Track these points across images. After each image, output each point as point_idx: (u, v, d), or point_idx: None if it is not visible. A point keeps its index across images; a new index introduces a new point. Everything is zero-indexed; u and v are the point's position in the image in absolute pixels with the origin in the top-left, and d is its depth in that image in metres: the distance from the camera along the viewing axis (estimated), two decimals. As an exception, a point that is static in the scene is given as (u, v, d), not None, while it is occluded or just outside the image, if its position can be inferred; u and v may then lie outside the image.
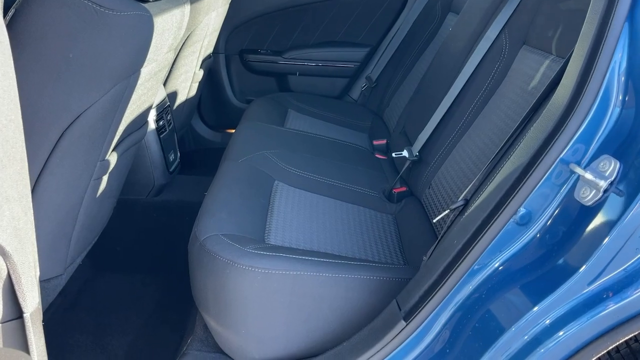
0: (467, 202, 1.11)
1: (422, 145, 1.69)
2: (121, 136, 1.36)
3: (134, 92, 1.25)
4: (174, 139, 1.97)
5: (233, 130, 2.21)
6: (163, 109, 1.84)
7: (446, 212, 1.14)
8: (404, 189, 1.72)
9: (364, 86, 2.70)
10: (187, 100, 2.15)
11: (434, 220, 1.15)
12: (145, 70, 1.24)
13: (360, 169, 1.84)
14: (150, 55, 1.21)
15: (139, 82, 1.25)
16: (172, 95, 1.99)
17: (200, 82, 2.24)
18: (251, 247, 1.22)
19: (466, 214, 1.07)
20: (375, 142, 2.14)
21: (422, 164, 1.69)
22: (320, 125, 2.33)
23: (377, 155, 2.04)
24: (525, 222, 0.94)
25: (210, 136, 2.82)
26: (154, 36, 1.18)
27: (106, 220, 1.59)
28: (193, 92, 2.19)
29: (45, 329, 1.66)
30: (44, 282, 1.27)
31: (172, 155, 1.93)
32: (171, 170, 1.89)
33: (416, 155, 1.69)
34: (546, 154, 0.91)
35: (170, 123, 1.91)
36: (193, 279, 1.28)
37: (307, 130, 2.20)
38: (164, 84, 1.95)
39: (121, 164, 1.46)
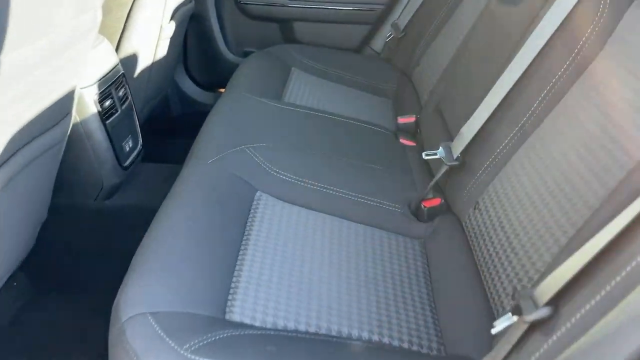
0: (555, 307, 0.62)
1: (467, 144, 1.18)
2: (8, 149, 0.89)
3: (8, 89, 0.77)
4: (133, 119, 1.49)
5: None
6: (112, 83, 1.36)
7: (513, 319, 0.65)
8: (437, 201, 1.23)
9: (389, 36, 2.14)
10: (155, 64, 1.65)
11: (494, 331, 0.68)
12: (15, 56, 0.76)
13: (379, 169, 1.34)
14: (16, 34, 0.72)
15: (11, 71, 0.76)
16: (130, 61, 1.49)
17: (173, 38, 1.73)
18: (195, 341, 0.77)
19: (559, 329, 0.59)
20: (400, 120, 1.62)
21: (465, 170, 1.19)
22: (331, 91, 1.83)
23: (402, 141, 1.53)
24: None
25: (200, 97, 2.33)
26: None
27: (22, 248, 1.16)
28: (163, 51, 1.68)
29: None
30: None
31: (130, 142, 1.46)
32: (127, 164, 1.43)
33: (457, 157, 1.19)
34: None
35: (126, 98, 1.43)
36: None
37: (312, 101, 1.70)
38: (117, 48, 1.46)
39: (24, 182, 1.00)
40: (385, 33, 2.18)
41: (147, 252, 0.93)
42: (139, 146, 1.51)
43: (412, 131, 1.60)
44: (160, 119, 2.15)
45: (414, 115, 1.62)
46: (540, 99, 1.06)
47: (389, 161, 1.38)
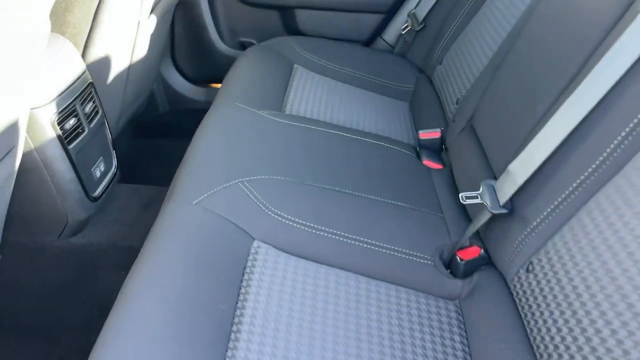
0: None
1: (518, 188, 0.94)
2: None
3: None
4: (106, 136, 1.24)
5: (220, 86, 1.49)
6: (77, 97, 1.11)
7: None
8: (476, 251, 1.00)
9: (405, 28, 1.88)
10: (132, 67, 1.39)
11: None
12: None
13: (403, 208, 1.10)
14: None
15: None
16: (100, 66, 1.24)
17: (154, 34, 1.47)
18: None
19: None
20: (422, 135, 1.37)
21: (514, 220, 0.95)
22: (339, 95, 1.58)
23: (425, 163, 1.29)
24: None
25: (190, 93, 2.07)
26: None
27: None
28: (142, 50, 1.42)
29: None
30: None
31: (101, 166, 1.21)
32: (97, 194, 1.19)
33: (503, 205, 0.95)
34: None
35: (96, 113, 1.19)
36: None
37: (318, 109, 1.46)
38: (83, 52, 1.20)
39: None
40: (400, 23, 1.91)
41: (110, 335, 0.70)
42: (113, 168, 1.27)
43: (436, 148, 1.36)
44: (144, 117, 1.91)
45: (439, 130, 1.38)
46: (628, 130, 0.80)
47: (414, 194, 1.14)
